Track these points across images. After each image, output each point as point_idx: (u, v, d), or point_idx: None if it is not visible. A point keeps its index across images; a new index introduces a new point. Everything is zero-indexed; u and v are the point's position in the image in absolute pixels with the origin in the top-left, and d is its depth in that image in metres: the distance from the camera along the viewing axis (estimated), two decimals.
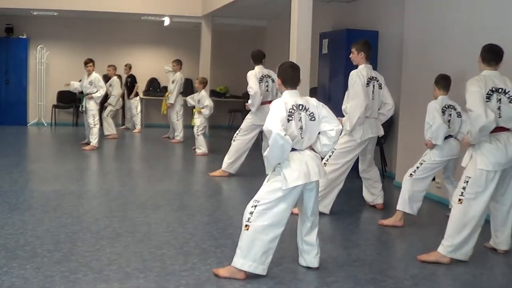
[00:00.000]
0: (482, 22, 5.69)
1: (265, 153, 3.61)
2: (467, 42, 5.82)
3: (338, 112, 5.52)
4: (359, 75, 5.36)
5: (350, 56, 5.58)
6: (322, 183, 5.31)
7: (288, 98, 3.73)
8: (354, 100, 5.30)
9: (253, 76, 7.26)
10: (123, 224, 4.90)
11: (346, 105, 5.44)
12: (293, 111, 3.66)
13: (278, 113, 3.59)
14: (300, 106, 3.71)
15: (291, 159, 3.63)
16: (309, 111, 3.72)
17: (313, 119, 3.71)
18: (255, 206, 3.61)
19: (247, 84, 7.29)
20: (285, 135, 3.50)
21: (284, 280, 3.69)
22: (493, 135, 4.12)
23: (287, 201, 3.62)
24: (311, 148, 3.78)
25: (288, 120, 3.63)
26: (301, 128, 3.67)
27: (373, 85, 5.46)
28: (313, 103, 3.77)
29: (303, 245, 3.90)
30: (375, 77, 5.52)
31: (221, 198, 6.63)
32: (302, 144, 3.69)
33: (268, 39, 13.10)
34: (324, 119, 3.76)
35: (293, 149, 3.65)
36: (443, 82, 5.09)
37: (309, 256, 3.89)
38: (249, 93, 7.23)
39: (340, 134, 3.98)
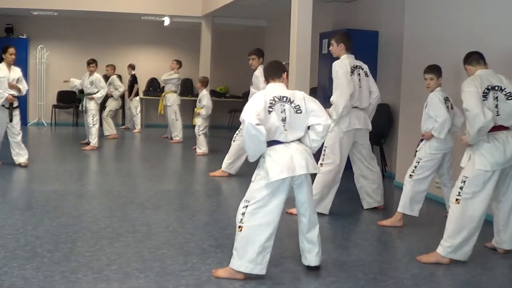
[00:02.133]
0: (482, 22, 5.69)
1: (244, 145, 3.62)
2: (467, 42, 5.81)
3: None
4: (341, 65, 5.35)
5: (330, 49, 5.58)
6: (319, 185, 5.30)
7: (270, 90, 3.72)
8: (338, 90, 5.28)
9: (262, 76, 7.21)
10: (123, 224, 4.90)
11: (333, 96, 5.39)
12: (274, 103, 3.62)
13: (254, 104, 3.57)
14: (284, 98, 3.66)
15: (274, 153, 3.60)
16: (295, 104, 3.67)
17: (299, 111, 3.66)
18: (246, 206, 3.60)
19: (248, 84, 7.28)
20: (257, 125, 3.45)
21: (284, 280, 3.69)
22: (492, 135, 4.11)
23: (276, 197, 3.58)
24: (300, 141, 3.73)
25: (269, 112, 3.59)
26: (283, 119, 3.62)
27: (358, 74, 5.43)
28: (300, 96, 3.72)
29: (304, 243, 3.85)
30: (359, 66, 5.48)
31: (221, 198, 6.63)
32: (286, 136, 3.64)
33: (268, 39, 13.10)
34: (312, 112, 3.69)
35: (278, 142, 3.63)
36: (441, 73, 5.08)
37: (310, 255, 3.84)
38: None
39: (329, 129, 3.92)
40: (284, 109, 3.64)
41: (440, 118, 4.88)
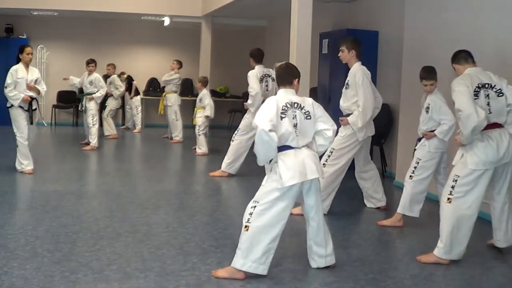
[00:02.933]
0: (482, 22, 5.70)
1: (254, 148, 3.65)
2: (467, 42, 5.80)
3: (338, 112, 5.53)
4: (364, 73, 5.36)
5: (340, 55, 5.54)
6: (321, 185, 5.31)
7: (282, 96, 3.76)
8: (365, 97, 5.28)
9: (254, 76, 7.25)
10: (123, 224, 4.90)
11: (347, 103, 5.41)
12: (286, 109, 3.68)
13: (267, 110, 3.62)
14: (295, 104, 3.72)
15: (287, 158, 3.64)
16: (305, 110, 3.73)
17: (308, 117, 3.73)
18: (254, 206, 3.63)
19: (247, 84, 7.29)
20: (270, 131, 3.51)
21: (284, 280, 3.69)
22: (485, 133, 4.10)
23: (285, 200, 3.62)
24: (307, 146, 3.78)
25: (281, 118, 3.64)
26: (295, 125, 3.67)
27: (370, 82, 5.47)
28: (309, 102, 3.79)
29: (313, 247, 3.88)
30: (368, 73, 5.52)
31: (221, 198, 6.63)
32: (298, 141, 3.69)
33: (268, 39, 13.10)
34: (320, 118, 3.78)
35: (290, 147, 3.67)
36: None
37: (320, 258, 3.87)
38: (250, 93, 7.21)
39: (336, 135, 3.97)
40: (296, 115, 3.70)
41: (449, 122, 4.86)
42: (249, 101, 7.24)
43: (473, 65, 4.29)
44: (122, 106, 12.98)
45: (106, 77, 11.49)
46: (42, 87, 7.31)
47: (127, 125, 13.15)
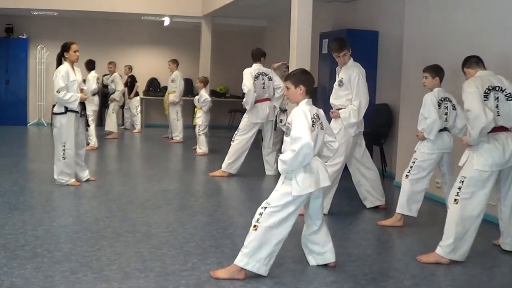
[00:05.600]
0: (481, 22, 5.70)
1: (283, 157, 3.59)
2: (466, 42, 5.82)
3: None
4: (360, 70, 5.43)
5: (345, 58, 5.47)
6: None
7: (309, 108, 3.74)
8: (361, 95, 5.36)
9: (248, 73, 7.30)
10: (123, 224, 4.90)
11: (339, 101, 5.46)
12: (314, 121, 3.70)
13: (307, 122, 3.59)
14: (316, 116, 3.77)
15: (305, 166, 3.64)
16: (320, 121, 3.79)
17: (322, 128, 3.79)
18: (265, 207, 3.65)
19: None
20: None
21: (284, 280, 3.69)
22: (492, 135, 4.12)
23: (296, 205, 3.66)
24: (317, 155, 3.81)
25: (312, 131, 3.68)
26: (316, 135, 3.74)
27: None
28: (322, 114, 3.86)
29: (311, 246, 3.93)
30: (363, 71, 5.59)
31: (221, 198, 6.63)
32: (314, 151, 3.71)
33: (268, 39, 13.11)
34: (327, 130, 3.86)
35: None
36: (441, 74, 5.07)
37: (318, 256, 3.92)
38: (243, 90, 7.30)
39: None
40: (316, 126, 3.74)
41: (429, 119, 4.88)
42: (244, 99, 7.29)
43: (484, 70, 4.33)
44: (122, 106, 12.96)
45: (109, 75, 11.50)
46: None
47: (125, 126, 13.12)
